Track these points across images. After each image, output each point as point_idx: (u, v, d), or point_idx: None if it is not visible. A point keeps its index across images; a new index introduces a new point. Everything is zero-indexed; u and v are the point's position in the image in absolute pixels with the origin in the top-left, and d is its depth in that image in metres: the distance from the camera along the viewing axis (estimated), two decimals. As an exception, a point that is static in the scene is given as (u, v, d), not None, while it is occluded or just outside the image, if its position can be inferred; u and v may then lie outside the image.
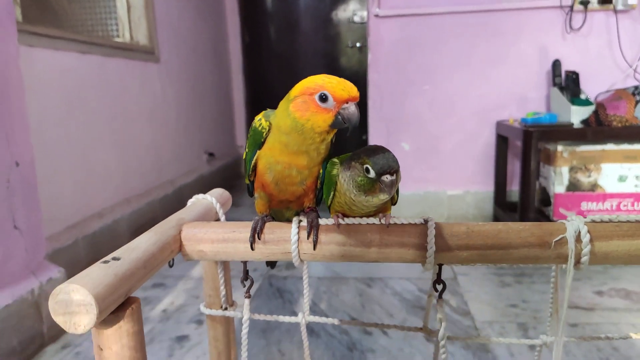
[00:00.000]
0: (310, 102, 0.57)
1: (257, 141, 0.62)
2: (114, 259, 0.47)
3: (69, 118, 2.11)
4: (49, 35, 2.01)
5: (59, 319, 0.42)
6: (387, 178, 0.54)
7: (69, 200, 2.12)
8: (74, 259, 2.07)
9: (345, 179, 0.57)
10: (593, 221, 0.55)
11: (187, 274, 2.20)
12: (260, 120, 0.63)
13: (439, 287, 0.62)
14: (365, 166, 0.55)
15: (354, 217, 0.61)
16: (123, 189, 2.55)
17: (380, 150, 0.55)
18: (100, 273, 0.44)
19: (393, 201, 0.62)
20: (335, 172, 0.60)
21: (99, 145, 2.33)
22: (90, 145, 2.26)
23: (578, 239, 0.54)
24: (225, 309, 0.73)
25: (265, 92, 4.57)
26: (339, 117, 0.57)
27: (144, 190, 2.76)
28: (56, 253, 1.95)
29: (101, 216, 2.33)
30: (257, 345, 1.56)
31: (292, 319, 0.70)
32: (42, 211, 1.74)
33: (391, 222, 0.59)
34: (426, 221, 0.58)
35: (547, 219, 2.41)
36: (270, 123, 0.61)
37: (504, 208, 2.68)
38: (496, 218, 2.76)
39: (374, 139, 2.86)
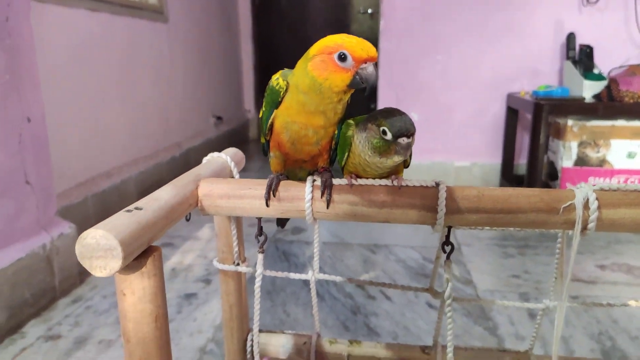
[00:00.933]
0: (329, 61, 0.57)
1: (274, 100, 0.62)
2: (137, 208, 0.49)
3: (77, 76, 2.11)
4: (59, -9, 1.99)
5: (85, 262, 0.44)
6: (403, 140, 0.55)
7: (78, 158, 2.14)
8: (84, 216, 2.10)
9: (361, 140, 0.58)
10: (602, 189, 0.56)
11: (195, 234, 2.24)
12: (277, 79, 0.63)
13: (448, 248, 0.63)
14: (382, 128, 0.55)
15: (367, 178, 0.62)
16: (131, 149, 2.57)
17: (397, 112, 0.56)
18: (124, 220, 0.46)
19: (406, 164, 0.63)
20: (350, 133, 0.61)
21: (107, 104, 2.34)
22: (99, 104, 2.27)
23: (586, 205, 0.55)
24: (238, 264, 0.75)
25: (274, 57, 4.54)
26: (357, 77, 0.57)
27: (151, 151, 2.78)
28: (66, 210, 1.98)
29: (109, 175, 2.35)
30: (263, 306, 1.60)
31: (302, 276, 0.72)
32: (53, 168, 1.76)
33: (403, 184, 0.60)
34: (437, 184, 0.59)
35: (553, 193, 2.42)
36: (287, 82, 0.62)
37: (511, 181, 2.69)
38: (501, 190, 2.77)
39: (383, 107, 2.84)
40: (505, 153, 2.77)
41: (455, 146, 2.84)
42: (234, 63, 4.31)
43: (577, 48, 2.51)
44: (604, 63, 2.56)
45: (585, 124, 2.30)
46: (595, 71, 2.43)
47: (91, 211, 2.16)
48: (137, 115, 2.61)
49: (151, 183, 2.70)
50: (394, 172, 0.62)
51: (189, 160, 3.18)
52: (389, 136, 0.55)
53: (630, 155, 2.32)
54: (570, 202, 0.54)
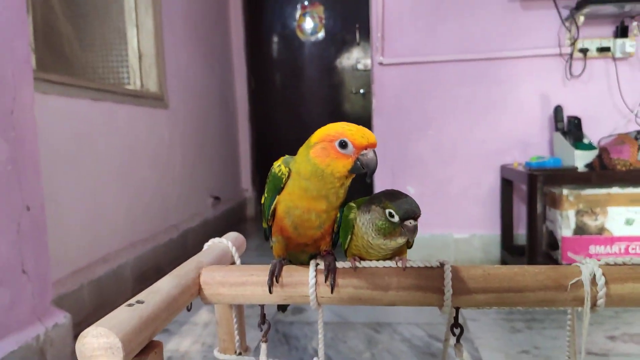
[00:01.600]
0: (330, 149, 0.59)
1: (277, 186, 0.63)
2: (138, 302, 0.48)
3: (78, 163, 2.15)
4: (63, 83, 2.06)
5: (85, 362, 0.43)
6: (410, 223, 0.55)
7: (76, 244, 2.12)
8: (79, 304, 2.05)
9: (364, 223, 0.59)
10: (607, 264, 0.56)
11: (192, 319, 2.18)
12: (279, 166, 0.64)
13: (457, 331, 0.62)
14: (388, 210, 0.56)
15: (370, 260, 0.62)
16: (129, 233, 2.56)
17: (401, 195, 0.57)
18: (126, 316, 0.45)
19: (409, 244, 0.63)
20: (352, 215, 0.62)
21: (106, 189, 2.36)
22: (98, 189, 2.29)
23: (593, 281, 0.55)
24: (240, 354, 0.73)
25: (270, 137, 4.65)
26: (358, 162, 0.59)
27: (149, 234, 2.77)
28: (61, 298, 1.93)
29: (106, 261, 2.32)
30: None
31: (307, 364, 0.69)
32: (50, 255, 1.74)
33: (407, 265, 0.60)
34: (442, 264, 0.59)
35: (556, 262, 2.39)
36: (289, 169, 0.63)
37: (512, 252, 2.67)
38: (504, 262, 2.74)
39: (379, 182, 2.88)
40: (504, 224, 2.77)
41: (453, 218, 2.84)
42: (231, 143, 4.40)
43: (565, 119, 2.59)
44: (592, 133, 2.63)
45: (580, 193, 2.33)
46: (585, 141, 2.49)
47: (87, 299, 2.11)
48: (135, 199, 2.62)
49: (148, 267, 2.66)
50: (398, 252, 0.62)
51: (186, 242, 3.16)
52: (395, 219, 0.56)
53: (629, 222, 2.33)
54: (577, 279, 0.54)
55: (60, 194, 2.02)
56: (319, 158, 0.59)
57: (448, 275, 0.57)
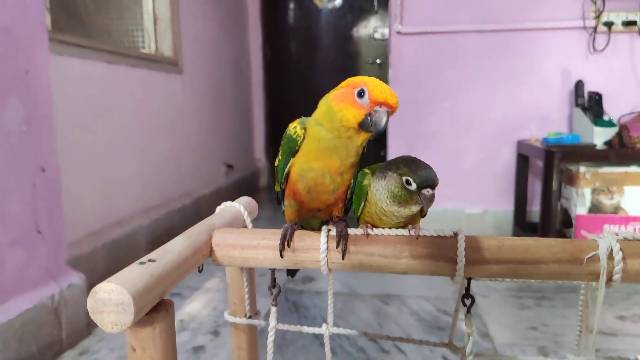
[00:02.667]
0: (349, 94, 0.59)
1: (292, 149, 0.63)
2: (150, 260, 0.48)
3: (93, 126, 2.15)
4: (78, 45, 2.05)
5: (96, 318, 0.43)
6: (428, 192, 0.54)
7: (90, 207, 2.15)
8: (93, 266, 2.09)
9: (379, 189, 0.58)
10: (625, 239, 0.55)
11: (204, 285, 2.21)
12: (295, 127, 0.63)
13: (468, 301, 0.61)
14: (405, 178, 0.55)
15: (383, 227, 0.61)
16: (142, 198, 2.58)
17: (419, 162, 0.56)
18: (137, 273, 0.45)
19: (423, 213, 0.62)
20: (366, 182, 0.61)
21: (121, 154, 2.37)
22: (113, 154, 2.30)
23: (610, 256, 0.53)
24: (250, 317, 0.73)
25: (284, 107, 4.62)
26: (368, 118, 0.58)
27: (162, 200, 2.79)
28: (76, 259, 1.97)
29: (120, 225, 2.35)
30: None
31: (316, 330, 0.70)
32: (64, 217, 1.76)
33: (420, 234, 0.59)
34: (456, 234, 0.58)
35: (568, 240, 2.38)
36: (305, 130, 0.62)
37: (524, 228, 2.65)
38: (515, 238, 2.73)
39: (392, 154, 2.86)
40: (518, 200, 2.74)
41: (466, 193, 2.82)
42: (245, 112, 4.39)
43: (586, 95, 2.53)
44: (613, 109, 2.57)
45: (597, 171, 2.29)
46: (605, 118, 2.43)
47: (101, 261, 2.15)
48: (149, 164, 2.64)
49: (161, 232, 2.69)
50: (411, 221, 0.61)
51: (199, 209, 3.18)
52: (413, 186, 0.54)
53: (645, 202, 2.29)
54: (594, 253, 0.53)
55: (75, 157, 2.03)
56: (335, 100, 0.59)
57: (461, 245, 0.56)
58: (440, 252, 0.57)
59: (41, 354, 1.55)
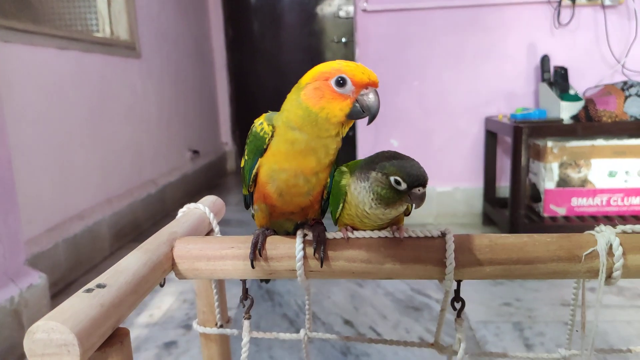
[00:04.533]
0: (325, 88, 0.51)
1: (259, 148, 0.55)
2: (99, 286, 0.41)
3: (46, 116, 2.03)
4: (26, 31, 1.92)
5: (35, 361, 0.37)
6: (419, 190, 0.48)
7: (48, 201, 2.04)
8: (55, 263, 1.99)
9: (361, 192, 0.51)
10: (624, 232, 0.51)
11: (173, 276, 2.13)
12: (262, 124, 0.56)
13: (458, 305, 0.57)
14: (393, 178, 0.49)
15: (364, 230, 0.56)
16: (103, 189, 2.47)
17: (405, 158, 0.50)
18: (83, 305, 0.38)
19: (407, 212, 0.57)
20: (344, 182, 0.54)
21: (78, 143, 2.25)
22: (69, 144, 2.18)
23: (609, 251, 0.50)
24: (221, 326, 0.67)
25: (249, 88, 4.51)
26: (357, 105, 0.51)
27: (125, 190, 2.68)
28: (36, 257, 1.87)
29: (81, 218, 2.25)
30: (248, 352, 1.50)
31: (294, 337, 0.65)
32: (21, 214, 1.66)
33: (405, 235, 0.54)
34: (444, 234, 0.53)
35: (537, 215, 2.40)
36: (273, 126, 0.55)
37: (494, 204, 2.66)
38: (486, 215, 2.74)
39: (362, 134, 2.81)
40: (487, 176, 2.74)
41: (436, 172, 2.80)
42: (209, 95, 4.26)
43: (552, 70, 2.53)
44: (579, 83, 2.57)
45: (564, 145, 2.30)
46: (571, 92, 2.44)
47: (62, 257, 2.05)
48: (109, 153, 2.52)
49: (125, 223, 2.59)
50: (394, 221, 0.56)
51: (164, 197, 3.08)
52: (402, 186, 0.48)
53: (612, 174, 2.32)
54: (592, 249, 0.49)
55: (29, 150, 1.91)
56: (311, 100, 0.51)
57: (450, 246, 0.51)
58: (428, 255, 0.52)
59: (2, 358, 1.47)
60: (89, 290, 0.40)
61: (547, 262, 0.50)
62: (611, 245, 0.49)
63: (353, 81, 0.50)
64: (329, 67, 0.51)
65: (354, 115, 0.51)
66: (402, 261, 0.52)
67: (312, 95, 0.51)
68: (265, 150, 0.55)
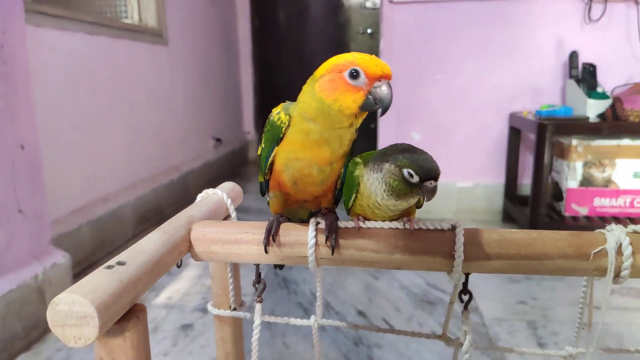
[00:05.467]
0: (339, 80, 0.52)
1: (275, 136, 0.57)
2: (119, 263, 0.44)
3: (75, 100, 2.08)
4: (57, 15, 1.96)
5: (57, 331, 0.39)
6: (431, 184, 0.49)
7: (74, 183, 2.09)
8: (79, 244, 2.05)
9: (373, 182, 0.52)
10: (635, 232, 0.51)
11: (191, 261, 2.18)
12: (279, 113, 0.57)
13: (465, 297, 0.58)
14: (406, 170, 0.50)
15: (376, 220, 0.57)
16: (128, 173, 2.52)
17: (418, 151, 0.51)
18: (103, 280, 0.40)
19: (418, 204, 0.58)
20: (357, 172, 0.56)
21: (105, 128, 2.30)
22: (96, 128, 2.23)
23: (619, 251, 0.50)
24: (235, 309, 0.70)
25: (273, 78, 4.52)
26: (370, 97, 0.52)
27: (149, 175, 2.73)
28: (61, 237, 1.93)
29: (106, 201, 2.30)
30: (261, 338, 1.53)
31: (304, 322, 0.67)
32: (47, 195, 1.71)
33: (416, 226, 0.55)
34: (454, 227, 0.54)
35: (559, 214, 2.37)
36: (289, 116, 0.56)
37: (515, 202, 2.64)
38: (506, 212, 2.71)
39: (383, 127, 2.81)
40: (509, 173, 2.72)
41: (458, 167, 2.79)
42: (233, 84, 4.29)
43: (580, 66, 2.48)
44: (607, 81, 2.52)
45: (589, 144, 2.26)
46: (599, 90, 2.39)
47: (86, 238, 2.10)
48: (135, 139, 2.57)
49: (149, 208, 2.64)
50: (406, 213, 0.57)
51: (187, 183, 3.13)
52: (415, 179, 0.49)
53: (637, 175, 2.28)
54: (601, 247, 0.49)
55: (57, 132, 1.97)
56: (325, 92, 0.52)
57: (460, 239, 0.52)
58: (437, 247, 0.53)
59: (26, 334, 1.53)
60: (109, 267, 0.43)
61: (555, 259, 0.50)
62: (621, 244, 0.49)
63: (366, 73, 0.51)
64: (343, 59, 0.52)
65: (366, 107, 0.52)
66: (412, 252, 0.53)
67: (326, 87, 0.52)
68: (281, 139, 0.57)
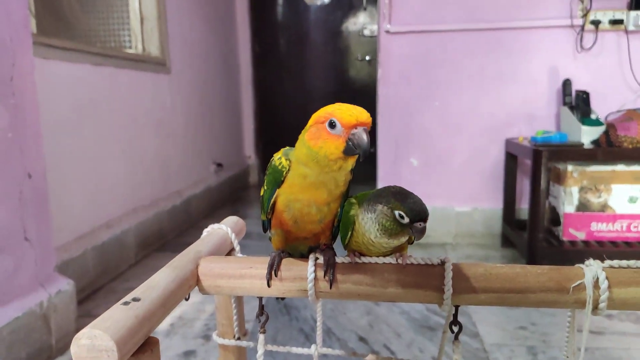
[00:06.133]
0: (322, 130, 0.58)
1: (277, 180, 0.62)
2: (134, 299, 0.48)
3: (80, 129, 2.13)
4: (63, 47, 2.03)
5: (80, 364, 0.43)
6: (420, 225, 0.54)
7: (78, 210, 2.13)
8: (83, 270, 2.08)
9: (367, 222, 0.57)
10: (611, 267, 0.55)
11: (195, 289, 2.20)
12: (280, 159, 0.63)
13: (456, 328, 0.61)
14: (397, 212, 0.54)
15: (370, 256, 0.61)
16: (131, 199, 2.56)
17: (409, 194, 0.55)
18: (121, 316, 0.44)
19: (410, 241, 0.62)
20: (353, 212, 0.60)
21: (109, 155, 2.35)
22: (100, 156, 2.28)
23: (596, 284, 0.54)
24: (239, 338, 0.73)
25: (274, 103, 4.60)
26: (349, 143, 0.57)
27: (151, 201, 2.77)
28: (65, 264, 1.96)
29: (109, 226, 2.34)
30: (263, 364, 1.55)
31: (305, 351, 0.70)
32: (52, 222, 1.75)
33: (408, 261, 0.59)
34: (443, 262, 0.58)
35: (557, 238, 2.40)
36: (290, 161, 0.62)
37: (513, 226, 2.67)
38: (504, 236, 2.74)
39: (382, 152, 2.86)
40: (507, 198, 2.76)
41: (456, 191, 2.83)
42: (234, 109, 4.36)
43: (574, 94, 2.54)
44: (600, 108, 2.58)
45: (585, 170, 2.31)
46: (593, 116, 2.45)
47: (90, 265, 2.13)
48: (137, 165, 2.62)
49: (151, 233, 2.68)
50: (398, 249, 0.61)
51: (189, 208, 3.17)
52: (405, 220, 0.54)
53: (632, 200, 2.31)
54: (580, 282, 0.53)
55: (62, 161, 2.01)
56: (312, 141, 0.58)
57: (449, 274, 0.56)
58: (428, 281, 0.57)
59: (31, 360, 1.55)
60: (126, 303, 0.47)
61: (537, 292, 0.54)
62: (598, 278, 0.53)
63: (342, 123, 0.57)
64: (324, 111, 0.59)
65: (348, 151, 0.58)
66: (404, 286, 0.57)
67: (312, 136, 0.59)
68: (282, 182, 0.62)
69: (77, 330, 1.70)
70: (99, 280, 2.20)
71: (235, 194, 4.21)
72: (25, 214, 1.58)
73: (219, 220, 0.77)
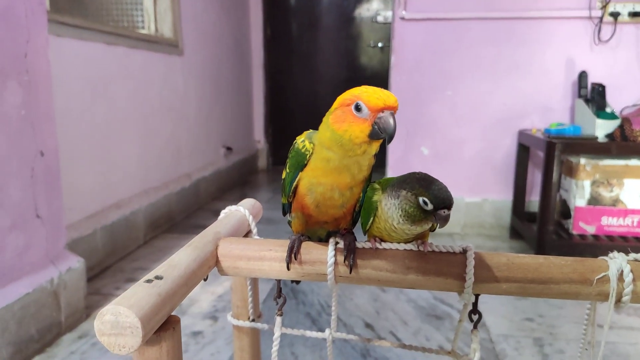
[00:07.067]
0: (347, 113, 0.57)
1: (300, 163, 0.61)
2: (157, 277, 0.48)
3: (92, 108, 2.13)
4: (77, 26, 2.02)
5: (104, 339, 0.43)
6: (444, 212, 0.53)
7: (89, 189, 2.14)
8: (92, 249, 2.09)
9: (390, 207, 0.56)
10: (636, 260, 0.54)
11: (202, 269, 2.21)
12: (304, 142, 0.62)
13: (475, 317, 0.61)
14: (422, 198, 0.54)
15: (391, 242, 0.61)
16: (141, 180, 2.57)
17: (434, 181, 0.55)
18: (145, 293, 0.44)
19: (432, 228, 0.61)
20: (376, 198, 0.60)
21: (120, 136, 2.35)
22: (112, 136, 2.28)
23: (620, 277, 0.53)
24: (253, 320, 0.73)
25: (284, 88, 4.58)
26: (375, 126, 0.56)
27: (161, 182, 2.78)
28: (74, 242, 1.97)
29: (119, 207, 2.35)
30: (270, 347, 1.56)
31: (319, 335, 0.70)
32: (63, 200, 1.76)
33: (429, 249, 0.58)
34: (465, 250, 0.58)
35: (566, 232, 2.39)
36: (313, 144, 0.61)
37: (522, 218, 2.66)
38: (513, 228, 2.73)
39: (393, 143, 2.84)
40: (517, 190, 2.74)
41: (466, 182, 2.82)
42: (245, 94, 4.35)
43: (589, 86, 2.51)
44: (616, 101, 2.55)
45: (598, 163, 2.28)
46: (608, 110, 2.42)
47: (99, 244, 2.15)
48: (149, 146, 2.62)
49: (160, 214, 2.69)
50: (420, 236, 0.61)
51: (198, 191, 3.17)
52: (429, 207, 0.53)
53: (644, 195, 2.29)
54: (604, 274, 0.52)
55: (74, 140, 2.02)
56: (337, 124, 0.57)
57: (471, 262, 0.55)
58: (449, 269, 0.56)
59: (40, 337, 1.56)
60: (149, 281, 0.47)
61: (560, 283, 0.53)
62: (622, 271, 0.53)
63: (368, 106, 0.56)
64: (350, 94, 0.58)
65: (374, 135, 0.57)
66: (425, 273, 0.57)
67: (337, 120, 0.58)
68: (305, 165, 0.61)
69: (87, 307, 1.72)
70: (107, 260, 2.21)
71: (243, 177, 4.21)
72: (36, 192, 1.59)
73: (227, 204, 0.77)
